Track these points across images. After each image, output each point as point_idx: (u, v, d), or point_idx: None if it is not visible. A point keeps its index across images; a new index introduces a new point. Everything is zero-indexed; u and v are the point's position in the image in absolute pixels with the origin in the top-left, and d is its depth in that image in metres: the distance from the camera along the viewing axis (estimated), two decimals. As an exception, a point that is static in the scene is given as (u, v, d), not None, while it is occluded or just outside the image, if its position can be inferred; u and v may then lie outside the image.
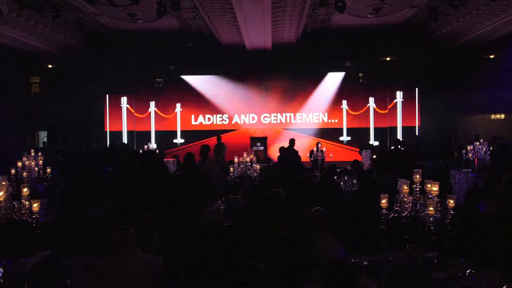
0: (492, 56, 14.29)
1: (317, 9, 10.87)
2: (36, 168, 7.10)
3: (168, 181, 6.22)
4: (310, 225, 4.10)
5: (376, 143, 13.31)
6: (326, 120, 14.96)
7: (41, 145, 14.06)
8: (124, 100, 15.02)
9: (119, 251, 3.18)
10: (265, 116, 14.97)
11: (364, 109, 14.85)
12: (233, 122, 15.02)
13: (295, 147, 9.90)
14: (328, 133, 14.63)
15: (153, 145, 13.77)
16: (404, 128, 14.75)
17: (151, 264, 3.21)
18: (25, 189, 3.67)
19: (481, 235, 3.98)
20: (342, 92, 14.81)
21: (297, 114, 14.94)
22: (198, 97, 14.96)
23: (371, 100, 14.81)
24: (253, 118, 15.00)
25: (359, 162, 9.02)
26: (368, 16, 11.60)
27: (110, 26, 12.80)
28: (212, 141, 13.84)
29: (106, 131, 15.01)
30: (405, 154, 9.28)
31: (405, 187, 3.69)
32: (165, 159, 11.40)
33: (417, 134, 14.09)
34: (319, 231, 4.00)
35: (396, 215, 3.69)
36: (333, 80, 14.82)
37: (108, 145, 13.39)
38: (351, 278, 2.59)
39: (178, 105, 14.99)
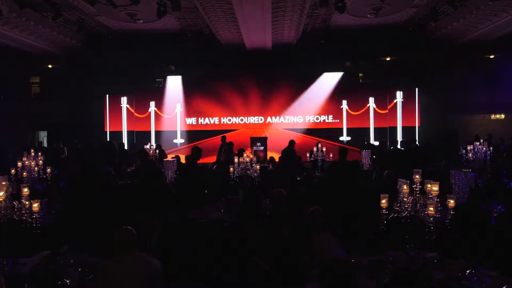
0: (492, 56, 14.29)
1: (317, 9, 10.87)
2: (36, 168, 7.10)
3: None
4: (310, 224, 4.10)
5: (376, 143, 13.33)
6: (326, 120, 14.96)
7: (38, 145, 14.06)
8: (124, 100, 15.02)
9: (119, 252, 3.17)
10: (265, 116, 14.96)
11: (364, 109, 14.85)
12: (233, 122, 15.02)
13: (295, 148, 9.91)
14: (328, 133, 14.62)
15: (153, 145, 13.74)
16: (404, 128, 14.76)
17: (150, 266, 3.20)
18: (25, 189, 3.67)
19: (481, 235, 3.98)
20: (342, 92, 14.81)
21: (297, 114, 14.93)
22: (198, 97, 14.97)
23: (371, 100, 14.81)
24: (253, 118, 15.00)
25: (359, 162, 9.03)
26: (368, 16, 11.60)
27: (110, 26, 12.80)
28: (212, 141, 13.91)
29: (106, 131, 15.01)
30: (404, 154, 9.29)
31: (405, 187, 3.68)
32: (165, 159, 11.44)
33: (417, 137, 14.12)
34: (319, 230, 4.00)
35: (396, 215, 3.68)
36: (333, 80, 14.82)
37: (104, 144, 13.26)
38: (349, 277, 2.59)
39: (178, 105, 15.00)
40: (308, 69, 14.39)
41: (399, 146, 10.53)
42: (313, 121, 14.96)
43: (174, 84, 14.99)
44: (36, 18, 10.87)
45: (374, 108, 14.82)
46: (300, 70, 14.44)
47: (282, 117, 14.97)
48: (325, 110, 14.92)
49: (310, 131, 14.67)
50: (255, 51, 14.10)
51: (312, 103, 14.85)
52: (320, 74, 14.75)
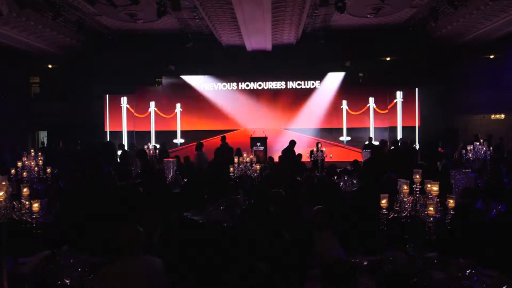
0: (492, 56, 14.29)
1: (317, 9, 10.87)
2: (36, 168, 7.09)
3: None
4: (311, 224, 4.10)
5: (377, 143, 13.33)
6: (326, 120, 14.96)
7: (40, 145, 14.06)
8: (124, 100, 15.02)
9: (125, 251, 3.10)
10: (265, 116, 14.95)
11: (364, 109, 14.85)
12: (233, 122, 15.01)
13: (295, 148, 9.90)
14: (328, 133, 14.62)
15: (153, 145, 13.73)
16: (404, 128, 14.76)
17: (153, 266, 3.18)
18: (25, 189, 3.67)
19: (480, 234, 3.98)
20: (342, 92, 14.81)
21: (297, 114, 14.93)
22: (198, 97, 14.97)
23: (371, 100, 14.81)
24: (253, 118, 14.98)
25: (359, 162, 9.03)
26: (368, 16, 11.60)
27: (110, 26, 12.80)
28: (212, 141, 13.89)
29: (106, 131, 15.01)
30: (403, 154, 9.29)
31: (405, 187, 3.68)
32: (166, 159, 11.43)
33: (417, 137, 14.17)
34: (320, 230, 4.00)
35: (396, 215, 3.68)
36: (333, 80, 14.82)
37: (104, 145, 13.25)
38: (350, 278, 2.59)
39: (178, 105, 15.00)
40: (308, 69, 14.38)
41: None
42: (313, 121, 14.93)
43: (174, 84, 14.98)
44: (36, 18, 10.87)
45: (374, 108, 14.82)
46: (300, 71, 14.43)
47: (282, 117, 14.94)
48: (325, 110, 14.91)
49: (310, 131, 14.67)
50: (256, 52, 14.10)
51: (312, 103, 14.84)
52: (320, 74, 14.75)
